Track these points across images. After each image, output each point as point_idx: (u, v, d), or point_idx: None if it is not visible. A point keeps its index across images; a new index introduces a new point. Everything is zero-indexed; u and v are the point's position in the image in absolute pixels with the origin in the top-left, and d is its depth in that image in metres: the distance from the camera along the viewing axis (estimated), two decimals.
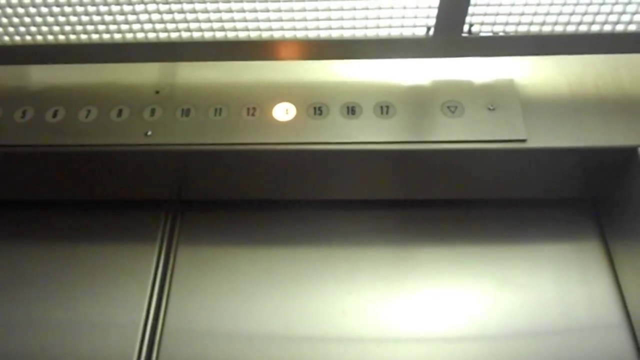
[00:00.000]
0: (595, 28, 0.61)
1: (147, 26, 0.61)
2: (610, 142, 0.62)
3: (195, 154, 0.65)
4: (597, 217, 0.72)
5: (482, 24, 0.61)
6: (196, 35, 0.62)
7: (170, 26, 0.61)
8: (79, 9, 0.60)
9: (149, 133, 0.64)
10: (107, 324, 0.67)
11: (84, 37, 0.63)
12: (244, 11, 0.60)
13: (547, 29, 0.61)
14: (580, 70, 0.68)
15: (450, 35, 0.62)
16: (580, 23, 0.61)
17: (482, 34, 0.62)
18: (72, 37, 0.63)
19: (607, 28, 0.61)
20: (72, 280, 0.70)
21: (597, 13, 0.60)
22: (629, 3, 0.58)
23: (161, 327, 0.67)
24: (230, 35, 0.62)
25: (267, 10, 0.60)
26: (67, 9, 0.60)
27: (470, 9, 0.59)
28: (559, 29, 0.61)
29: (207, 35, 0.62)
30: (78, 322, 0.67)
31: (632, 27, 0.61)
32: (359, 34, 0.62)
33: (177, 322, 0.67)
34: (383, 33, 0.62)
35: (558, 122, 0.64)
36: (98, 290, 0.69)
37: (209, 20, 0.61)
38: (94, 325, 0.67)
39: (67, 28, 0.62)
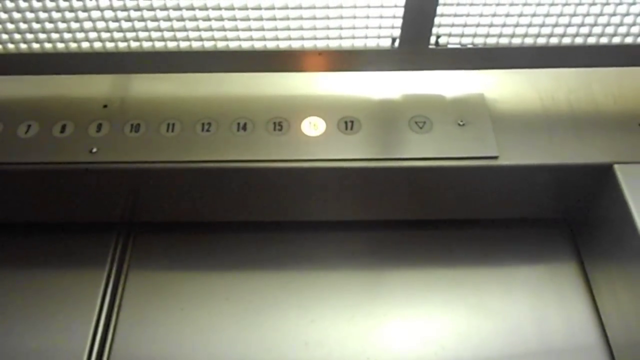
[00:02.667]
0: (566, 40, 0.59)
1: (92, 35, 0.57)
2: (585, 159, 0.60)
3: (145, 172, 0.60)
4: (572, 237, 0.69)
5: (449, 35, 0.58)
6: (146, 45, 0.58)
7: (117, 35, 0.57)
8: (16, 15, 0.55)
9: (94, 150, 0.59)
10: (50, 353, 0.61)
11: (23, 46, 0.58)
12: (196, 19, 0.56)
13: (516, 41, 0.59)
14: (552, 85, 0.65)
15: (416, 47, 0.58)
16: (551, 35, 0.58)
17: (449, 46, 0.59)
18: (10, 46, 0.58)
19: (579, 40, 0.58)
20: (12, 307, 0.65)
21: (568, 25, 0.57)
22: (601, 15, 0.56)
23: (107, 357, 0.61)
24: (183, 45, 0.58)
25: (222, 19, 0.56)
26: (2, 16, 0.55)
27: (437, 20, 0.56)
28: (529, 41, 0.59)
29: (158, 45, 0.58)
30: (18, 351, 0.62)
31: (604, 40, 0.58)
32: (320, 44, 0.58)
33: (124, 352, 0.61)
34: (346, 44, 0.58)
35: (530, 139, 0.61)
36: (41, 317, 0.63)
37: (159, 29, 0.57)
38: (35, 354, 0.61)
39: (4, 37, 0.57)
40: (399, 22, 0.56)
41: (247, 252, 0.68)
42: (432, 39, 0.58)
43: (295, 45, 0.58)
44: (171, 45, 0.58)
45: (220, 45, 0.58)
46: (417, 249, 0.69)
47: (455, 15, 0.56)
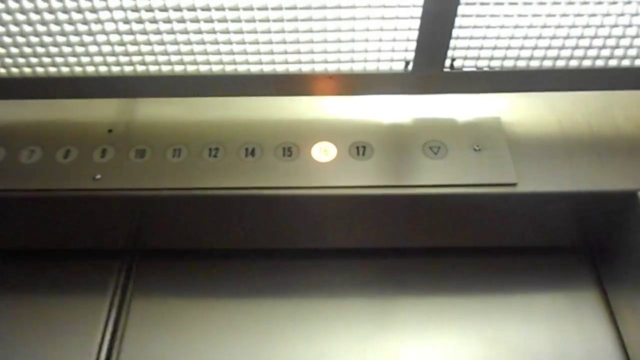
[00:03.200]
0: (586, 63, 0.56)
1: (97, 59, 0.55)
2: (608, 186, 0.57)
3: (150, 200, 0.58)
4: (594, 265, 0.66)
5: (465, 58, 0.56)
6: (152, 69, 0.56)
7: (122, 59, 0.55)
8: (20, 39, 0.54)
9: (98, 177, 0.57)
10: None
11: (27, 70, 0.56)
12: (204, 43, 0.54)
13: (535, 64, 0.57)
14: (571, 108, 0.63)
15: (430, 70, 0.56)
16: (570, 58, 0.56)
17: (465, 69, 0.57)
18: (14, 70, 0.56)
19: (600, 63, 0.56)
20: (15, 334, 0.63)
21: (589, 47, 0.55)
22: (623, 37, 0.54)
23: None
24: (191, 69, 0.56)
25: (230, 42, 0.54)
26: (6, 40, 0.54)
27: (452, 42, 0.55)
28: (547, 64, 0.56)
29: (165, 69, 0.56)
30: None
31: (625, 62, 0.56)
32: (331, 68, 0.57)
33: None
34: (358, 67, 0.57)
35: (550, 164, 0.58)
36: (43, 345, 0.62)
37: (165, 53, 0.55)
38: None
39: (8, 61, 0.56)
40: (412, 45, 0.54)
41: (254, 280, 0.65)
42: (447, 62, 0.56)
43: (306, 68, 0.57)
44: (178, 69, 0.56)
45: (229, 69, 0.56)
46: (431, 278, 0.66)
47: (472, 38, 0.54)
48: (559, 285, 0.65)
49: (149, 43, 0.54)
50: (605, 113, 0.62)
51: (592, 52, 0.56)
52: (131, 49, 0.54)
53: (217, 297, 0.65)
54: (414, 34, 0.53)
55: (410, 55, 0.55)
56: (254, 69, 0.56)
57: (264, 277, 0.66)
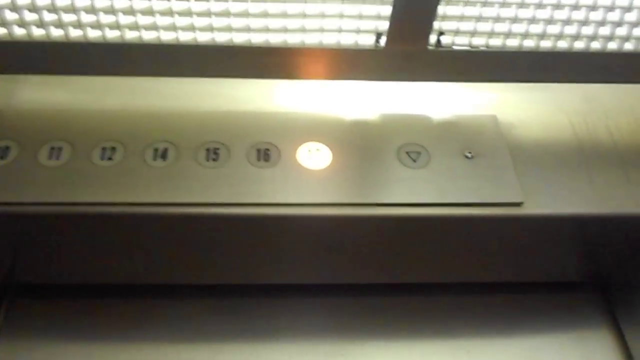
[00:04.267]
0: (612, 46, 0.43)
1: None
2: (636, 208, 0.43)
3: (22, 218, 0.41)
4: (609, 302, 0.53)
5: (456, 32, 0.42)
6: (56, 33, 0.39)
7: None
8: None
9: None
10: None
11: None
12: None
13: (546, 44, 0.43)
14: (584, 107, 0.49)
15: (409, 47, 0.41)
16: (594, 37, 0.42)
17: (455, 47, 0.42)
18: None
19: (629, 47, 0.43)
20: None
21: (619, 24, 0.41)
22: None
23: None
24: (130, 36, 0.40)
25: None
26: None
27: (441, 10, 0.40)
28: (562, 45, 0.43)
29: (93, 35, 0.39)
30: None
31: None
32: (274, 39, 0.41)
33: None
34: (312, 40, 0.41)
35: (562, 179, 0.44)
36: None
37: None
38: None
39: None
40: (387, 11, 0.39)
41: (169, 322, 0.49)
42: (432, 38, 0.42)
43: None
44: (111, 35, 0.39)
45: (185, 37, 0.40)
46: (418, 318, 0.52)
47: (466, 4, 0.40)
48: (569, 327, 0.52)
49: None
50: (625, 113, 0.49)
51: (621, 31, 0.42)
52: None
53: (112, 341, 0.48)
54: None
55: (384, 25, 0.40)
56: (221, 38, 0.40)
57: (184, 319, 0.50)
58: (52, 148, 0.42)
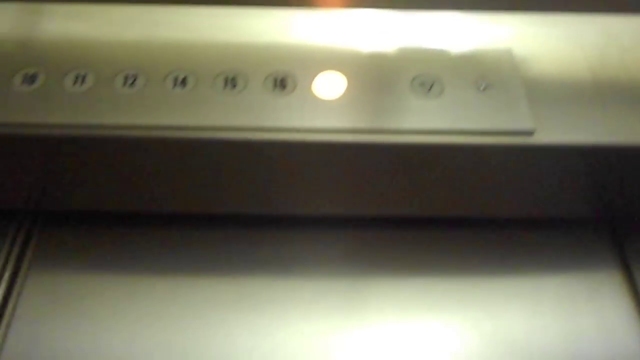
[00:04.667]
0: None
1: None
2: None
3: (55, 140, 0.43)
4: (616, 239, 0.54)
5: None
6: None
7: None
8: None
9: None
10: None
11: None
12: None
13: None
14: (601, 41, 0.49)
15: None
16: None
17: None
18: None
19: None
20: None
21: None
22: None
23: None
24: None
25: None
26: None
27: None
28: None
29: None
30: None
31: None
32: None
33: None
34: None
35: (575, 110, 0.45)
36: None
37: None
38: None
39: None
40: None
41: (191, 252, 0.51)
42: None
43: None
44: None
45: None
46: (416, 255, 0.53)
47: None
48: (576, 265, 0.52)
49: None
50: None
51: None
52: None
53: (143, 272, 0.51)
54: None
55: None
56: None
57: (205, 248, 0.52)
58: (77, 75, 0.44)
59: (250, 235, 0.53)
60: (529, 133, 0.43)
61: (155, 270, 0.51)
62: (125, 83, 0.44)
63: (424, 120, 0.43)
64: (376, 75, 0.45)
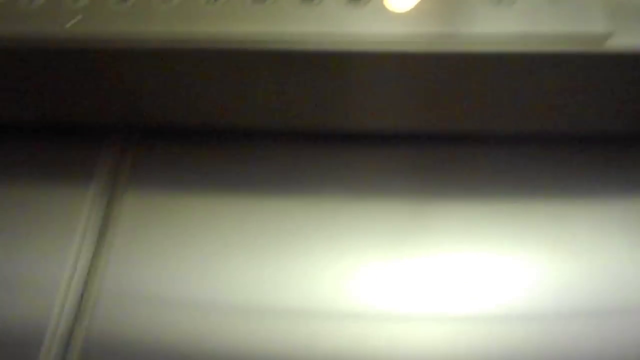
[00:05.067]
0: None
1: None
2: None
3: (152, 52, 0.46)
4: None
5: None
6: None
7: None
8: None
9: (75, 21, 0.46)
10: (23, 282, 0.50)
11: None
12: None
13: None
14: None
15: None
16: None
17: None
18: None
19: None
20: None
21: None
22: None
23: (95, 291, 0.50)
24: None
25: None
26: None
27: None
28: None
29: None
30: None
31: None
32: None
33: (113, 287, 0.50)
34: None
35: None
36: (12, 238, 0.52)
37: None
38: (3, 282, 0.50)
39: None
40: None
41: (271, 169, 0.54)
42: None
43: None
44: None
45: None
46: (482, 172, 0.53)
47: None
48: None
49: None
50: None
51: None
52: None
53: (228, 188, 0.54)
54: None
55: None
56: None
57: (284, 166, 0.55)
58: None
59: (325, 154, 0.55)
60: (605, 36, 0.42)
61: (248, 190, 0.54)
62: None
63: (496, 26, 0.43)
64: None
